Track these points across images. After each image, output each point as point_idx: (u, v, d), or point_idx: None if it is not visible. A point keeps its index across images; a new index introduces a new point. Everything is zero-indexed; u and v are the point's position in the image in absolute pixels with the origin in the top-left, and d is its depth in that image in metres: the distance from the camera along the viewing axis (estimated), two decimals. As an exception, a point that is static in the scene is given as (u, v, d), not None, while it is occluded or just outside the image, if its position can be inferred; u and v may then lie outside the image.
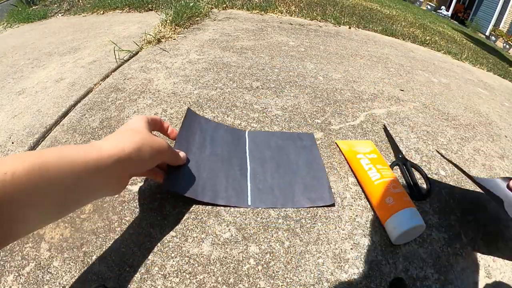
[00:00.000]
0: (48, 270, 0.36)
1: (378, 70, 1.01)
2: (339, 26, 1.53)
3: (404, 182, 0.52)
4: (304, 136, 0.59)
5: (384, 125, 0.66)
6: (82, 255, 0.38)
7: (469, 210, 0.50)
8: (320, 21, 1.56)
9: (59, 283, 0.35)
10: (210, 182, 0.45)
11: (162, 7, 1.51)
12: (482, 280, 0.40)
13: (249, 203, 0.44)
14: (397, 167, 0.55)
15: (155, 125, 0.44)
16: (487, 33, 8.61)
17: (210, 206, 0.44)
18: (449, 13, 10.55)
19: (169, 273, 0.36)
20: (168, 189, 0.43)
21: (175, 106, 0.66)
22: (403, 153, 0.58)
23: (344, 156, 0.55)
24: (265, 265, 0.38)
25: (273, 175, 0.48)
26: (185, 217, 0.42)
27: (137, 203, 0.44)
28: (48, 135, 0.59)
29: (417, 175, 0.54)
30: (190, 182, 0.44)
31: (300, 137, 0.58)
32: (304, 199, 0.45)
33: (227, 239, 0.40)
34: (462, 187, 0.54)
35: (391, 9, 3.43)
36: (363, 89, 0.84)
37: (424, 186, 0.52)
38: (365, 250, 0.41)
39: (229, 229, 0.41)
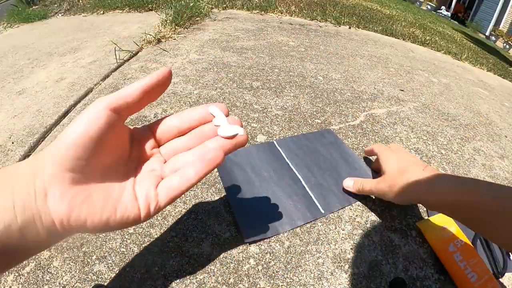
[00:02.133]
0: (48, 270, 0.36)
1: (378, 70, 1.01)
2: (339, 26, 1.53)
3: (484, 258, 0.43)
4: (325, 133, 0.60)
5: None
6: (82, 255, 0.38)
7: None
8: (320, 21, 1.56)
9: (59, 283, 0.35)
10: (279, 210, 0.44)
11: (162, 7, 1.51)
12: (482, 280, 0.40)
13: (322, 211, 0.44)
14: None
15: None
16: (487, 33, 8.61)
17: (210, 206, 0.44)
18: (449, 13, 10.55)
19: (169, 273, 0.36)
20: (250, 242, 0.40)
21: (175, 106, 0.66)
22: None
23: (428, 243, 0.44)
24: (265, 265, 0.38)
25: (323, 177, 0.49)
26: (185, 217, 0.42)
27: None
28: (48, 135, 0.59)
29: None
30: (264, 221, 0.42)
31: (323, 135, 0.60)
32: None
33: (227, 239, 0.40)
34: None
35: (391, 9, 3.43)
36: (363, 89, 0.84)
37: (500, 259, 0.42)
38: (365, 250, 0.41)
39: (229, 229, 0.41)
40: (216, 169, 0.51)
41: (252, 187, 0.47)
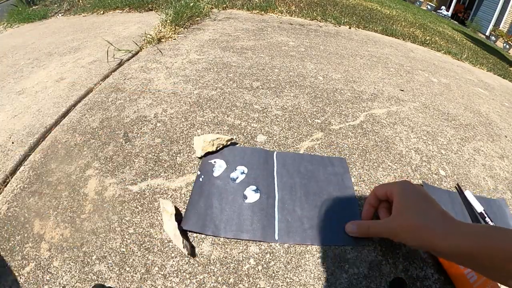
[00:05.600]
0: (48, 270, 0.36)
1: (378, 70, 1.01)
2: (339, 26, 1.53)
3: None
4: (336, 160, 0.54)
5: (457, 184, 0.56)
6: (82, 255, 0.38)
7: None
8: (320, 21, 1.56)
9: (59, 283, 0.35)
10: (234, 214, 0.42)
11: (162, 7, 1.51)
12: (482, 280, 0.40)
13: (276, 237, 0.41)
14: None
15: None
16: (487, 33, 8.61)
17: (210, 206, 0.44)
18: (449, 13, 10.55)
19: (169, 273, 0.36)
20: (186, 229, 0.40)
21: (175, 106, 0.66)
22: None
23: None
24: (265, 265, 0.38)
25: (302, 206, 0.45)
26: (185, 217, 0.42)
27: (137, 203, 0.44)
28: (48, 135, 0.59)
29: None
30: (212, 218, 0.41)
31: (331, 162, 0.53)
32: (335, 236, 0.42)
33: (227, 239, 0.40)
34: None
35: (391, 9, 3.43)
36: (363, 89, 0.84)
37: None
38: (365, 250, 0.41)
39: (229, 229, 0.41)
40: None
41: (225, 183, 0.47)
